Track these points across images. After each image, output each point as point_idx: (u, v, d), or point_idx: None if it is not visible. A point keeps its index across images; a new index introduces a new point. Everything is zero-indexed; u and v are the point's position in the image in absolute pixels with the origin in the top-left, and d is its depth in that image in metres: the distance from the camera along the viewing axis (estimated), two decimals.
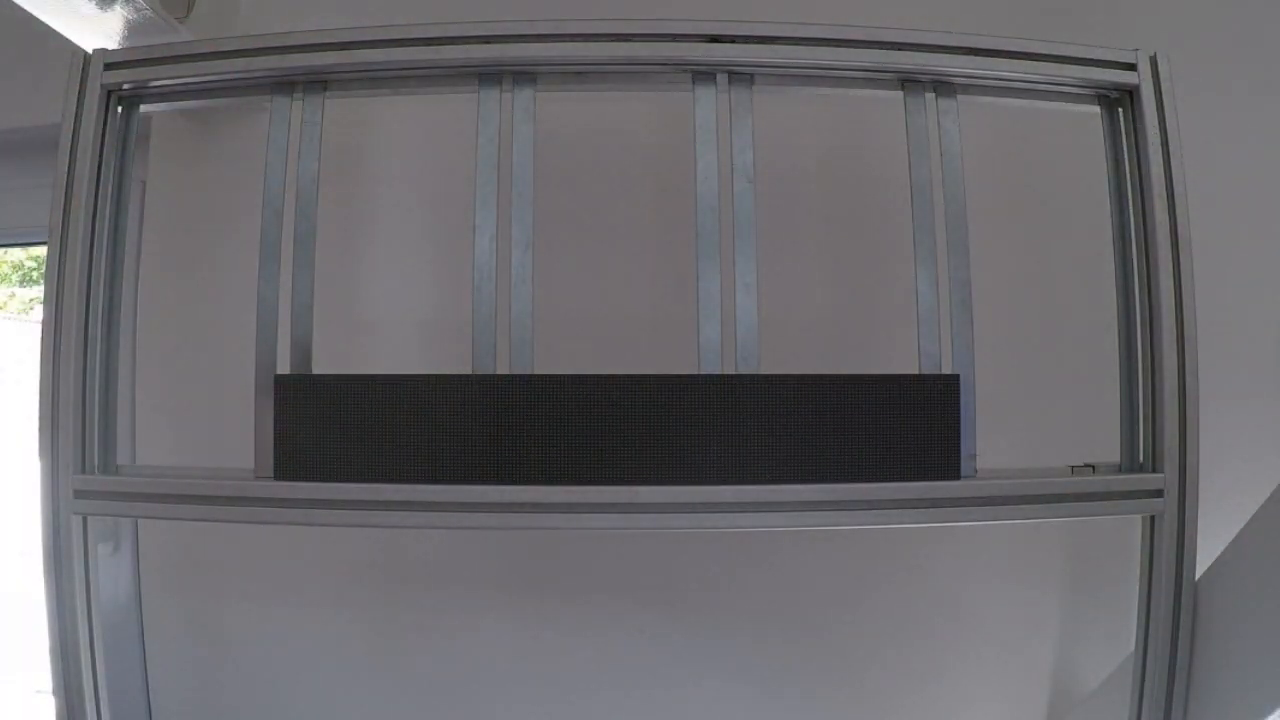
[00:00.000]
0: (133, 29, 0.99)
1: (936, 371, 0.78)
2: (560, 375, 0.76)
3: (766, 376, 0.76)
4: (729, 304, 0.78)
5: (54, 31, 0.98)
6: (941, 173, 0.81)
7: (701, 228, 0.78)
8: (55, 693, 0.80)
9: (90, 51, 0.82)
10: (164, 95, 0.85)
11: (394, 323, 1.19)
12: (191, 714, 1.22)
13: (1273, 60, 1.13)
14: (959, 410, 0.77)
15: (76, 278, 0.79)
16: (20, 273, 1.87)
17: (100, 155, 0.81)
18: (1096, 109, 0.85)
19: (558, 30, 0.79)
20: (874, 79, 0.82)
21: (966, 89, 0.82)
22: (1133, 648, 0.83)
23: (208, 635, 1.21)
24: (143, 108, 0.86)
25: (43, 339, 0.79)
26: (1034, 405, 1.10)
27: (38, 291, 1.66)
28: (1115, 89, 0.82)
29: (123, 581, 1.23)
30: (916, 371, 0.79)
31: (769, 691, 1.15)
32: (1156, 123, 0.80)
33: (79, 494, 0.79)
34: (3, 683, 1.54)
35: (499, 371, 0.78)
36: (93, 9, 0.95)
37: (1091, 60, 0.81)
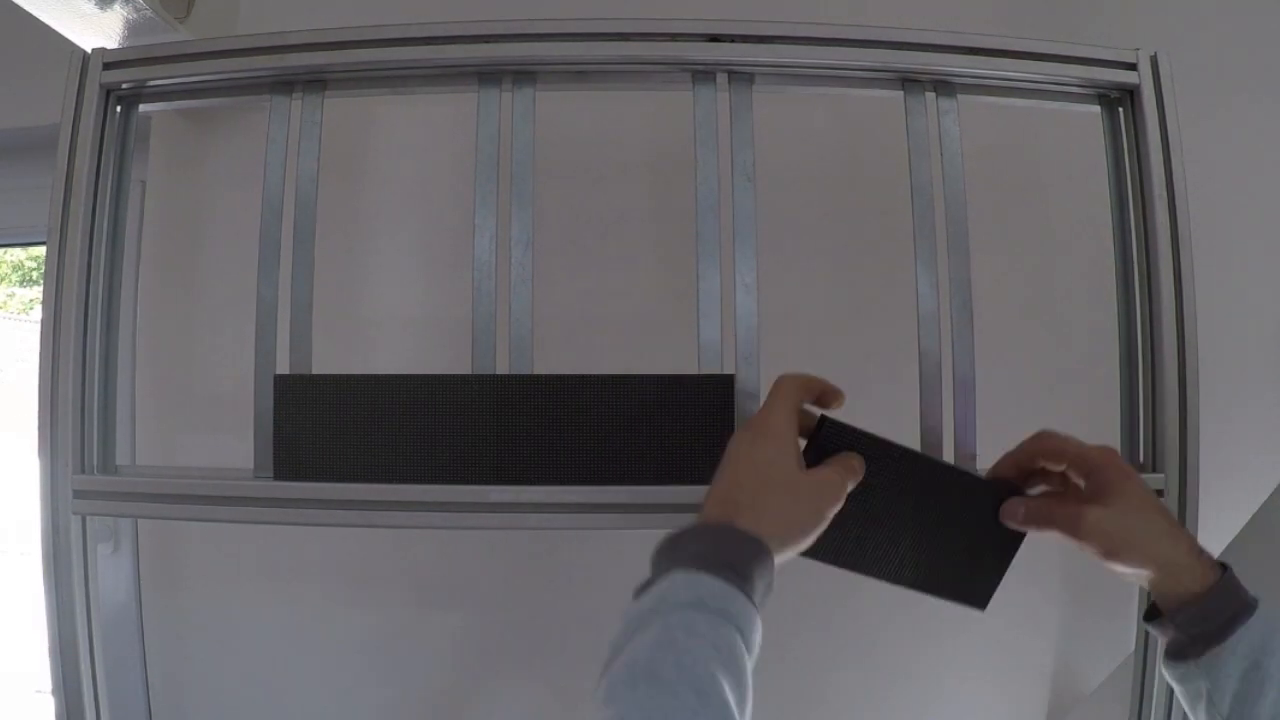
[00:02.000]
0: (132, 29, 0.99)
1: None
2: (562, 375, 0.76)
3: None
4: (729, 304, 0.78)
5: (54, 31, 0.98)
6: (941, 172, 0.81)
7: (701, 228, 0.78)
8: (55, 693, 0.80)
9: (89, 51, 0.82)
10: (163, 95, 0.85)
11: (393, 322, 1.19)
12: (191, 714, 1.22)
13: (1273, 60, 1.13)
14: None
15: (76, 278, 0.79)
16: (20, 273, 1.87)
17: (100, 155, 0.81)
18: (1097, 109, 0.85)
19: (558, 30, 0.79)
20: (874, 79, 0.82)
21: (967, 89, 0.82)
22: (1133, 648, 0.83)
23: (208, 635, 1.21)
24: (142, 107, 0.86)
25: (42, 339, 0.79)
26: (1034, 405, 1.10)
27: (38, 291, 1.67)
28: (1116, 89, 0.82)
29: (123, 581, 1.23)
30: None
31: (766, 691, 1.15)
32: (1157, 123, 0.80)
33: (78, 494, 0.79)
34: (3, 683, 1.54)
35: (499, 371, 0.78)
36: (92, 8, 0.95)
37: (1092, 60, 0.81)
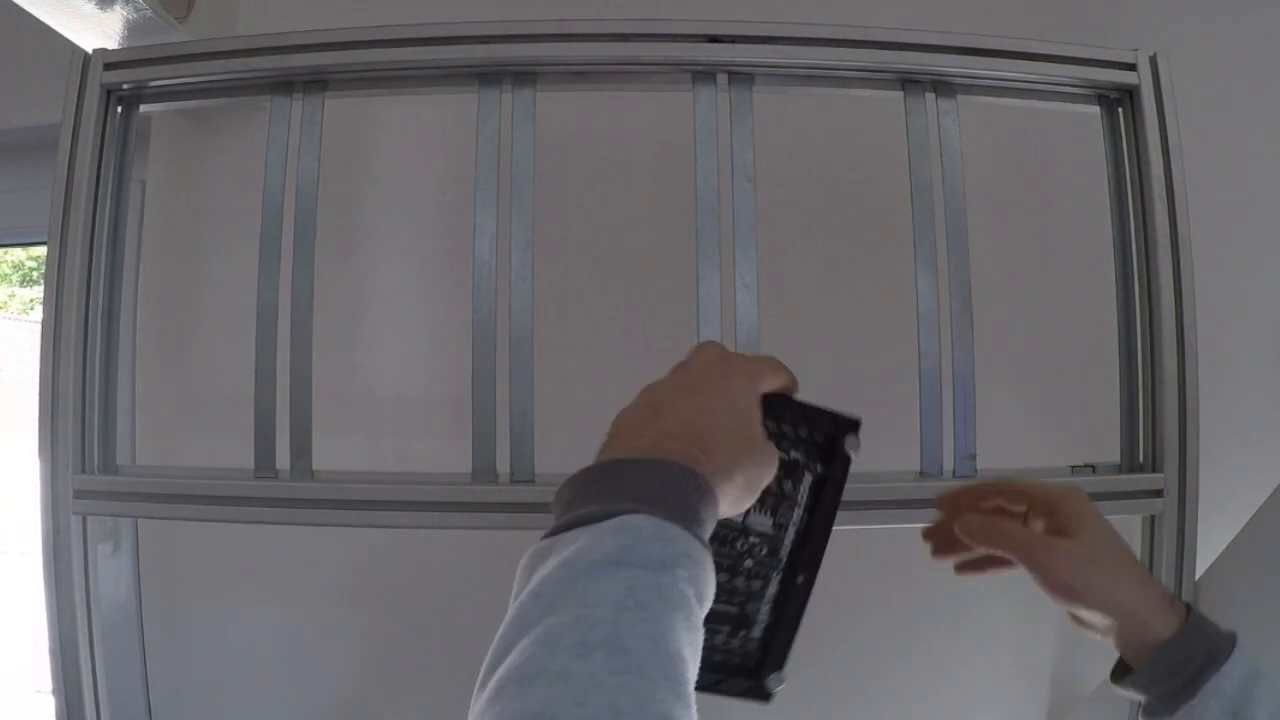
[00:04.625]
0: (132, 29, 0.99)
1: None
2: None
3: None
4: (729, 304, 0.78)
5: (54, 31, 0.98)
6: (941, 173, 0.81)
7: (701, 228, 0.78)
8: (55, 693, 0.80)
9: (90, 51, 0.82)
10: (164, 95, 0.85)
11: (392, 322, 1.19)
12: (191, 714, 1.22)
13: (1273, 60, 1.13)
14: None
15: (76, 278, 0.79)
16: (20, 273, 1.87)
17: (100, 155, 0.81)
18: (1097, 109, 0.85)
19: (558, 30, 0.79)
20: (874, 79, 0.82)
21: (966, 89, 0.82)
22: None
23: (208, 635, 1.21)
24: (142, 108, 0.86)
25: (42, 339, 0.79)
26: (1034, 405, 1.10)
27: (38, 291, 1.67)
28: (1115, 89, 0.82)
29: (123, 581, 1.23)
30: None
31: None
32: (1156, 123, 0.80)
33: (79, 494, 0.79)
34: (3, 683, 1.54)
35: (499, 370, 0.78)
36: (93, 9, 0.95)
37: (1091, 60, 0.81)
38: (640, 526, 0.37)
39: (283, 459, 0.80)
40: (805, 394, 0.53)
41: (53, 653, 0.80)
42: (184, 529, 1.20)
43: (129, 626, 1.23)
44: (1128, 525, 0.83)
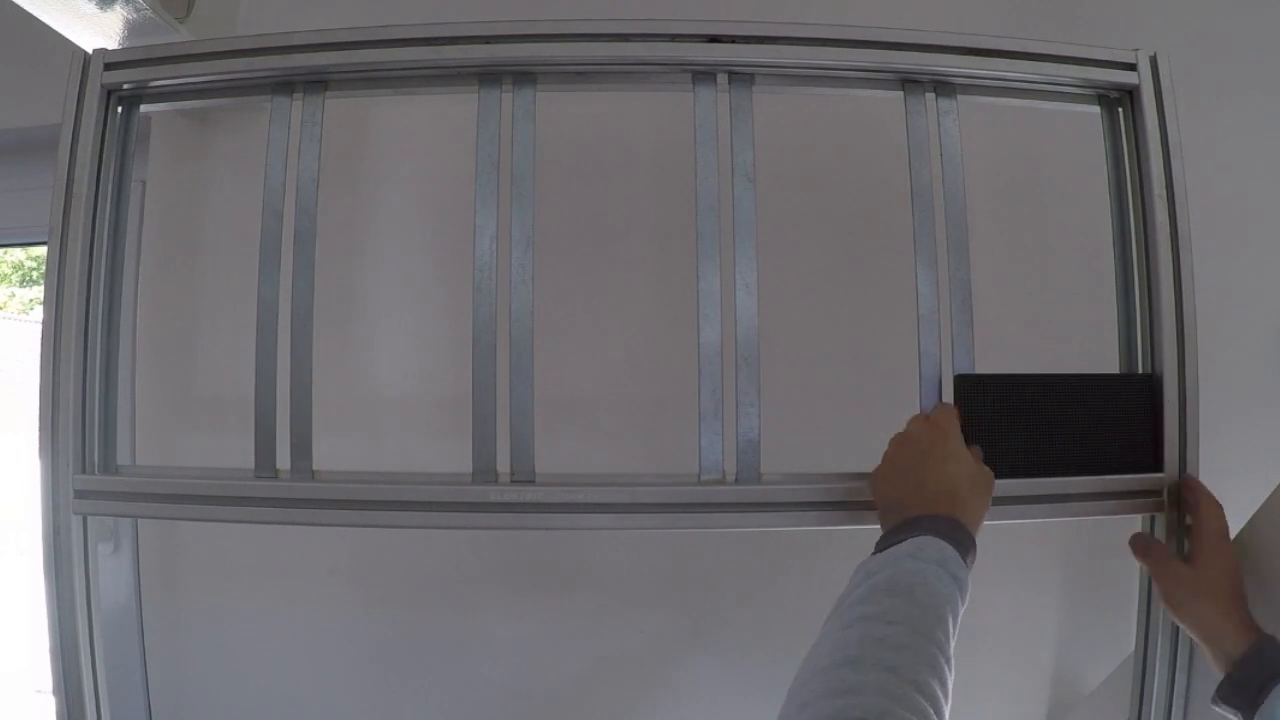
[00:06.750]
0: (133, 29, 0.99)
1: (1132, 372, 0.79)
2: None
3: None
4: (729, 304, 0.78)
5: (54, 31, 0.99)
6: (942, 172, 0.81)
7: (701, 228, 0.78)
8: (55, 693, 0.80)
9: (90, 51, 0.82)
10: (164, 95, 0.85)
11: (393, 322, 1.19)
12: (191, 714, 1.22)
13: (1273, 60, 1.13)
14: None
15: (76, 278, 0.79)
16: (20, 273, 1.87)
17: (100, 155, 0.81)
18: (1097, 109, 0.85)
19: (558, 30, 0.79)
20: (874, 79, 0.82)
21: (966, 89, 0.82)
22: (1133, 648, 0.83)
23: (208, 635, 1.21)
24: (143, 108, 0.86)
25: (43, 339, 0.79)
26: None
27: (38, 291, 1.67)
28: (1115, 89, 0.82)
29: (123, 581, 1.23)
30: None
31: (765, 692, 1.15)
32: (1156, 123, 0.80)
33: (79, 494, 0.79)
34: (3, 683, 1.55)
35: (499, 371, 0.78)
36: (93, 9, 0.95)
37: (1091, 60, 0.81)
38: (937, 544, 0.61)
39: (283, 459, 0.80)
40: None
41: (53, 653, 0.80)
42: (184, 529, 1.20)
43: (129, 626, 1.23)
44: (1128, 524, 0.83)
